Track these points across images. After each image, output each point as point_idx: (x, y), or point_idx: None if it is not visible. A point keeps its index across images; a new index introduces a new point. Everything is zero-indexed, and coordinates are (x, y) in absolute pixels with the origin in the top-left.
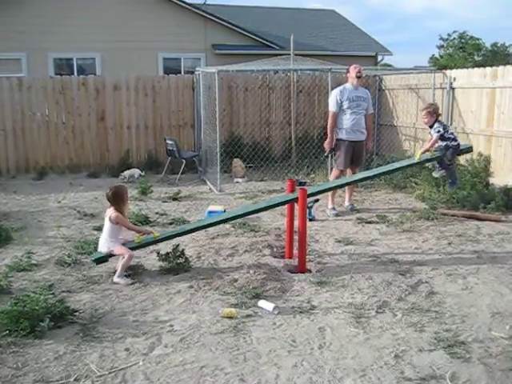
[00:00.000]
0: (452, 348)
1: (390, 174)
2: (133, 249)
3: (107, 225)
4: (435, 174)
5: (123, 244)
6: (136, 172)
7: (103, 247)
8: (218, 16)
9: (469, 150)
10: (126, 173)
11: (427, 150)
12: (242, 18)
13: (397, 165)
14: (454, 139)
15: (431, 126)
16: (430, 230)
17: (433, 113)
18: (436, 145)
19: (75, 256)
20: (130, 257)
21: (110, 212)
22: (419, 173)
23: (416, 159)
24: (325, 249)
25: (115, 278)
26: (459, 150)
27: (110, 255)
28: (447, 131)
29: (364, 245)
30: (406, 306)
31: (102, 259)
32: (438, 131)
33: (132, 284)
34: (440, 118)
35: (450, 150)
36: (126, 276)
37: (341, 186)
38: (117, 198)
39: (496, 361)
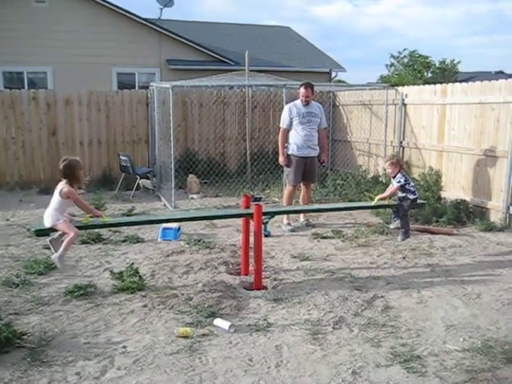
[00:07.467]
0: (408, 363)
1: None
2: (77, 228)
3: (56, 198)
4: (392, 226)
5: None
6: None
7: (47, 221)
8: (172, 31)
9: (423, 205)
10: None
11: (384, 198)
12: (196, 33)
13: (355, 204)
14: (414, 193)
15: (394, 177)
16: (384, 244)
17: (396, 164)
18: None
19: (24, 276)
20: (75, 235)
21: (62, 186)
22: (374, 187)
23: (373, 203)
24: (281, 265)
25: (54, 256)
26: (415, 204)
27: (53, 230)
28: (408, 183)
29: (320, 260)
30: (363, 321)
31: (43, 232)
32: (399, 181)
33: (64, 266)
34: (403, 170)
35: (407, 202)
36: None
37: (297, 212)
38: (68, 171)
39: (451, 374)
